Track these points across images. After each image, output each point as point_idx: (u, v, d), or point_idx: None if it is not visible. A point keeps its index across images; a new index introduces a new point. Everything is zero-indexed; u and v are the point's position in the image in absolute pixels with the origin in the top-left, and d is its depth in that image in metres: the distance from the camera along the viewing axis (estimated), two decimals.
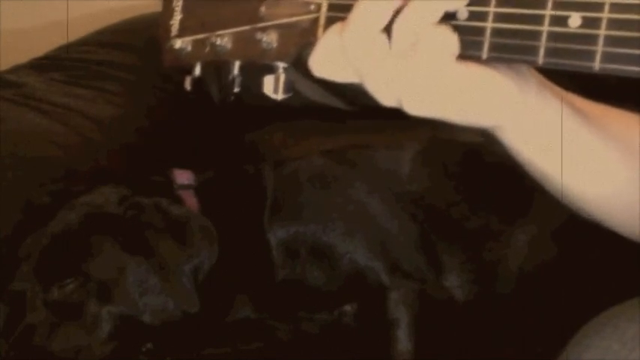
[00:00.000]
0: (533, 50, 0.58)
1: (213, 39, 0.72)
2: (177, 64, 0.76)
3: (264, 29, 0.69)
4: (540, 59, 0.58)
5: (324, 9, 0.66)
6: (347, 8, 0.65)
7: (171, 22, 0.76)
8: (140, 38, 1.69)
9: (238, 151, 1.65)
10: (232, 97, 0.73)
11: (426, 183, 1.28)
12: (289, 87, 0.70)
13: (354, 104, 1.67)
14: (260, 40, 0.69)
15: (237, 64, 0.72)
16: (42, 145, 1.39)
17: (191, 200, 1.24)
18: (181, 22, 0.75)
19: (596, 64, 0.56)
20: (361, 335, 1.21)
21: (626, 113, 0.73)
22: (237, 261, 1.21)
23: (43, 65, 1.61)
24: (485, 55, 0.60)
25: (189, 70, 0.76)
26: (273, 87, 0.70)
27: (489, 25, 0.60)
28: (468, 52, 0.61)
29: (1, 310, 1.16)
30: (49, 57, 1.66)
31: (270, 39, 0.68)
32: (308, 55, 0.67)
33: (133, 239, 1.15)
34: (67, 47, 1.69)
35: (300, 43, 0.68)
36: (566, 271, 1.19)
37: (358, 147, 1.36)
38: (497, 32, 0.60)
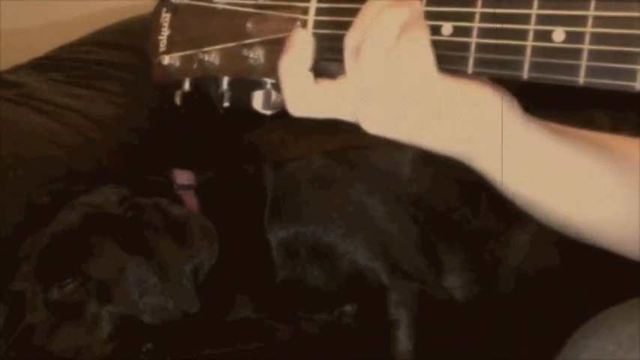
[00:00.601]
0: (518, 65, 0.58)
1: (201, 55, 0.72)
2: (166, 79, 0.76)
3: (250, 45, 0.69)
4: (525, 74, 0.58)
5: (309, 26, 0.66)
6: (333, 25, 0.65)
7: (160, 38, 0.76)
8: (140, 38, 1.68)
9: (238, 151, 1.65)
10: (222, 111, 0.73)
11: (426, 184, 1.28)
12: (279, 102, 0.70)
13: None
14: (247, 57, 0.69)
15: (225, 80, 0.72)
16: (42, 145, 1.39)
17: (191, 200, 1.24)
18: (169, 38, 0.75)
19: (581, 78, 0.56)
20: (361, 335, 1.21)
21: (627, 138, 0.73)
22: (237, 261, 1.21)
23: (43, 65, 1.61)
24: (470, 69, 0.60)
25: (179, 85, 0.76)
26: (262, 103, 0.70)
27: (474, 40, 0.60)
28: (454, 67, 0.61)
29: (1, 310, 1.16)
30: (49, 57, 1.66)
31: (257, 55, 0.68)
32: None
33: (133, 239, 1.16)
34: (67, 47, 1.69)
35: None
36: (566, 271, 1.19)
37: (358, 147, 1.36)
38: (481, 47, 0.60)
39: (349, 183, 1.26)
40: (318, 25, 0.66)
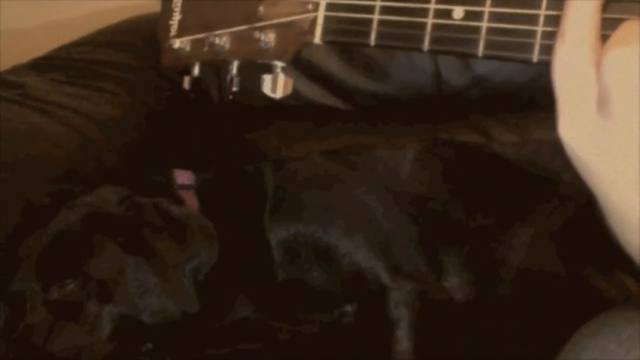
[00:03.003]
0: (529, 47, 0.60)
1: (211, 39, 0.72)
2: (176, 63, 0.77)
3: (262, 29, 0.70)
4: (535, 57, 0.60)
5: (321, 8, 0.67)
6: (345, 8, 0.66)
7: (171, 23, 0.77)
8: (140, 38, 1.69)
9: (238, 151, 1.66)
10: (231, 97, 0.74)
11: (426, 183, 1.28)
12: (288, 86, 0.70)
13: (353, 104, 1.67)
14: (258, 40, 0.69)
15: (235, 64, 0.73)
16: (42, 145, 1.38)
17: (191, 200, 1.24)
18: (180, 22, 0.76)
19: (480, 51, 0.60)
20: (361, 335, 1.21)
21: None
22: (237, 261, 1.21)
23: (43, 65, 1.61)
24: (480, 53, 0.61)
25: (188, 70, 0.76)
26: (271, 86, 0.70)
27: (485, 24, 0.61)
28: (465, 50, 0.62)
29: (1, 310, 1.16)
30: (49, 57, 1.66)
31: (268, 38, 0.69)
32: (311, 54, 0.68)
33: (133, 239, 1.15)
34: (67, 47, 1.69)
35: (298, 43, 0.69)
36: (566, 271, 1.19)
37: (358, 147, 1.36)
38: (492, 31, 0.61)
39: (349, 183, 1.26)
40: (330, 7, 0.67)
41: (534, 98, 1.55)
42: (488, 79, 1.58)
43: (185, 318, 1.16)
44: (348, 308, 1.23)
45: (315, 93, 1.66)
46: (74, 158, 1.39)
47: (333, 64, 1.63)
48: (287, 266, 1.22)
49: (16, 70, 1.59)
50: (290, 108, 1.67)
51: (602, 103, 0.56)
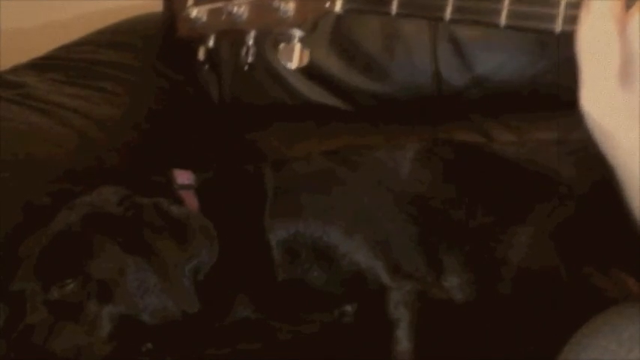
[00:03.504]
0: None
1: (229, 7, 0.72)
2: (191, 34, 0.76)
3: None
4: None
5: None
6: None
7: None
8: (140, 38, 1.70)
9: (238, 151, 1.66)
10: (247, 67, 0.73)
11: (426, 183, 1.28)
12: (304, 57, 0.70)
13: (353, 104, 1.67)
14: (277, 9, 0.69)
15: (252, 35, 0.72)
16: (42, 145, 1.39)
17: (191, 200, 1.24)
18: None
19: (502, 21, 0.60)
20: (361, 335, 1.21)
21: None
22: (237, 261, 1.21)
23: (43, 65, 1.62)
24: (503, 22, 0.61)
25: (203, 41, 0.76)
26: (288, 55, 0.70)
27: None
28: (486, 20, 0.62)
29: (1, 310, 1.16)
30: (49, 57, 1.66)
31: (287, 7, 0.68)
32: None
33: (133, 239, 1.15)
34: (67, 47, 1.69)
35: (318, 11, 0.68)
36: (566, 270, 1.19)
37: (358, 147, 1.36)
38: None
39: (349, 183, 1.26)
40: None
41: (535, 98, 1.55)
42: (488, 79, 1.58)
43: (185, 318, 1.16)
44: (348, 308, 1.23)
45: (315, 93, 1.66)
46: (74, 158, 1.40)
47: (333, 64, 1.63)
48: (287, 266, 1.22)
49: (16, 70, 1.59)
50: (290, 108, 1.67)
51: (626, 71, 0.57)
